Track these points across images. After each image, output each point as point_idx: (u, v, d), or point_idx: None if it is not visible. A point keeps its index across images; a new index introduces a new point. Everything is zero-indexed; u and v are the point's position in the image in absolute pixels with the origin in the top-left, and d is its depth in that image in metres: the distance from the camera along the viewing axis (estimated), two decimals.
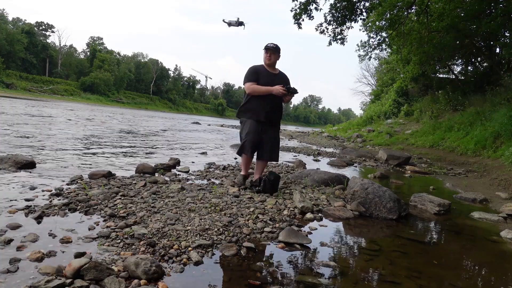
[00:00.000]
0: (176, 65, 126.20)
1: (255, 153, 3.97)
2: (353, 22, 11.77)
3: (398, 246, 2.58)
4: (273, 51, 3.87)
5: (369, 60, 38.28)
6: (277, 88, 3.68)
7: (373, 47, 15.06)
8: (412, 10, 12.54)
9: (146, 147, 7.68)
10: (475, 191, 5.10)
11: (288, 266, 2.04)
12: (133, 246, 2.04)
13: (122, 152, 6.38)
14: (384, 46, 14.82)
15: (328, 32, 12.10)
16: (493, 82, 12.44)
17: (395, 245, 2.60)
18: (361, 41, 15.82)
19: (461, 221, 3.49)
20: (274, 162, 6.53)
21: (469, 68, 17.15)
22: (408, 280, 1.98)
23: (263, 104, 3.79)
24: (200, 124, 25.71)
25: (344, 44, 12.36)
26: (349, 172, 6.51)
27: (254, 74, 3.83)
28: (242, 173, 4.01)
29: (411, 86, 19.41)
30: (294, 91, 3.75)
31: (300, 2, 11.11)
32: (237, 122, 4.27)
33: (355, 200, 3.46)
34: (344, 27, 11.91)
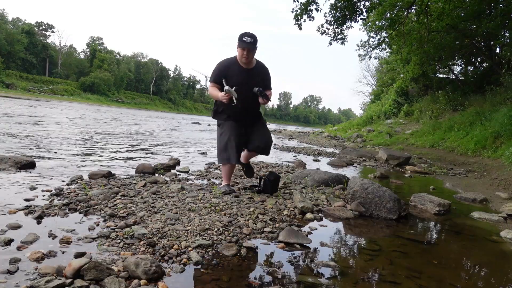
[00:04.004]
0: (176, 65, 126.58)
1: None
2: (353, 22, 11.79)
3: (398, 246, 2.57)
4: (250, 49, 3.19)
5: (369, 59, 38.41)
6: (221, 96, 3.15)
7: (373, 46, 15.11)
8: (412, 10, 12.55)
9: (146, 147, 7.68)
10: (475, 191, 5.10)
11: (288, 266, 2.04)
12: (133, 246, 2.04)
13: (122, 152, 6.38)
14: (384, 46, 14.85)
15: (329, 32, 12.12)
16: (493, 82, 12.44)
17: (395, 245, 2.60)
18: (361, 40, 15.88)
19: (461, 221, 3.48)
20: (274, 162, 6.53)
21: (469, 68, 17.17)
22: (408, 280, 1.98)
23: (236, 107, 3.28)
24: (200, 124, 25.70)
25: (344, 44, 12.37)
26: (349, 172, 6.51)
27: (220, 72, 3.30)
28: (224, 182, 3.55)
29: (411, 86, 19.42)
30: (264, 96, 3.24)
31: (301, 3, 11.12)
32: None
33: (355, 200, 3.46)
34: (345, 27, 11.93)
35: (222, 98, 3.15)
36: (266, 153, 3.63)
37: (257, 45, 3.25)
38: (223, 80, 3.17)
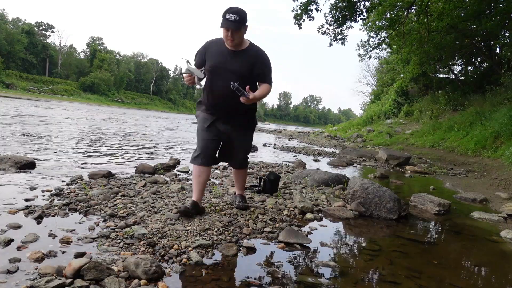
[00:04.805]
0: (176, 65, 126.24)
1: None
2: (353, 22, 11.79)
3: (398, 246, 2.57)
4: (235, 29, 2.42)
5: (369, 59, 38.45)
6: (184, 78, 2.61)
7: (373, 46, 15.13)
8: (412, 10, 12.54)
9: (146, 147, 7.68)
10: (475, 191, 5.10)
11: (288, 266, 2.04)
12: (133, 246, 2.04)
13: (122, 152, 6.38)
14: (384, 46, 14.87)
15: (329, 32, 12.12)
16: (493, 82, 12.45)
17: (395, 245, 2.60)
18: (361, 40, 15.91)
19: (461, 221, 3.48)
20: (274, 162, 6.52)
21: (469, 68, 17.18)
22: (408, 280, 1.98)
23: (213, 96, 2.67)
24: None
25: (344, 44, 12.38)
26: (349, 172, 6.51)
27: (199, 53, 2.68)
28: (193, 197, 2.75)
29: (411, 86, 19.43)
30: (242, 94, 2.43)
31: (301, 3, 11.13)
32: None
33: (355, 200, 3.46)
34: (345, 27, 11.93)
35: (185, 80, 2.60)
36: (237, 166, 2.99)
37: (245, 24, 2.48)
38: (186, 60, 2.53)
